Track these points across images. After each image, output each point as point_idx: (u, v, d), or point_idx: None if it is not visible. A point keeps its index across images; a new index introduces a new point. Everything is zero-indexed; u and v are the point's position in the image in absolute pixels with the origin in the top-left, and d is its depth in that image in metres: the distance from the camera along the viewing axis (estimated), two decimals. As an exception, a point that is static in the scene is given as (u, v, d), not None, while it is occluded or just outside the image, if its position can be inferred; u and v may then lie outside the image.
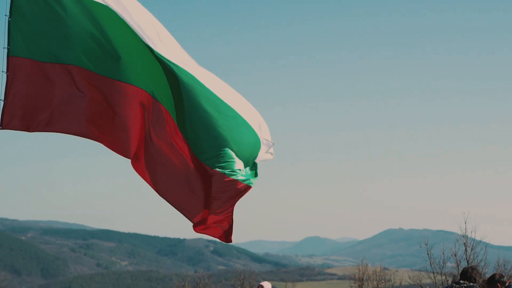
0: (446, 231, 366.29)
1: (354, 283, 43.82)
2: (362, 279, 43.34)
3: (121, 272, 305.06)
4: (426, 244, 38.39)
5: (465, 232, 36.68)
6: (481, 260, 36.31)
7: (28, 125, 8.77)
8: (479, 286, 10.85)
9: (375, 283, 43.53)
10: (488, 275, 30.48)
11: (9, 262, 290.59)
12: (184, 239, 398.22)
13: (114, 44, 8.70)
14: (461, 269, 35.97)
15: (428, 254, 38.25)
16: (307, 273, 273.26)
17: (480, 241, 37.11)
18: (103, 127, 8.88)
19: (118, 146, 8.98)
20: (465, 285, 10.66)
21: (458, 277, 11.66)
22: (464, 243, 36.75)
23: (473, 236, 36.82)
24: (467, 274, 10.83)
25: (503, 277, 11.36)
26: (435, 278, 37.98)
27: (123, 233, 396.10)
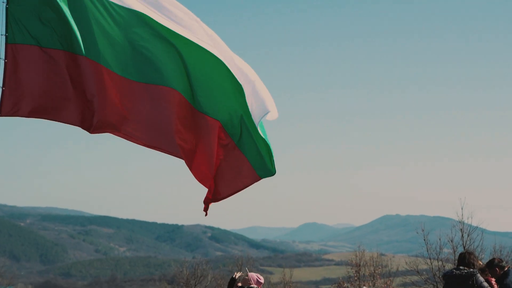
0: (442, 217, 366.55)
1: (351, 268, 43.83)
2: (359, 265, 43.36)
3: (119, 258, 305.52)
4: (422, 230, 38.42)
5: (462, 218, 36.76)
6: (477, 246, 36.38)
7: (28, 112, 8.74)
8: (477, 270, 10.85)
9: (372, 268, 43.55)
10: (484, 261, 30.51)
11: (8, 248, 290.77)
12: (182, 225, 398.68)
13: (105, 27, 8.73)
14: (457, 255, 36.06)
15: (424, 240, 38.28)
16: (304, 259, 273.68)
17: (477, 227, 37.18)
18: (98, 115, 8.87)
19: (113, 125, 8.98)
20: (466, 271, 10.65)
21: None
22: (461, 229, 36.79)
23: (469, 222, 36.92)
24: (465, 260, 10.79)
25: (502, 261, 11.39)
26: (431, 263, 38.05)
27: (122, 219, 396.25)
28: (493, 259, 11.54)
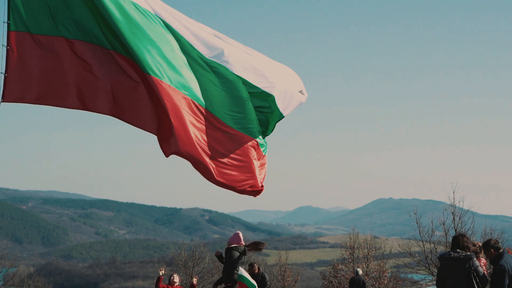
0: (434, 200, 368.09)
1: (345, 251, 43.87)
2: (353, 247, 43.41)
3: (119, 240, 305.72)
4: (415, 213, 38.43)
5: (453, 201, 36.77)
6: (468, 229, 36.39)
7: (29, 98, 8.72)
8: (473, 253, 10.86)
9: (365, 251, 43.60)
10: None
11: (11, 231, 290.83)
12: (181, 209, 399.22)
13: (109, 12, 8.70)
14: (449, 238, 36.13)
15: (417, 223, 38.29)
16: (299, 241, 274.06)
17: (468, 210, 37.16)
18: (96, 98, 8.86)
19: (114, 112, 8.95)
20: (463, 254, 10.62)
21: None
22: (452, 212, 36.80)
23: (461, 206, 36.95)
24: (460, 243, 10.76)
25: (498, 243, 11.32)
26: (424, 246, 38.09)
27: (121, 203, 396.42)
28: (490, 240, 11.46)
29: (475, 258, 10.75)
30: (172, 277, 17.48)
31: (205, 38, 9.45)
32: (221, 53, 9.39)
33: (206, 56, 9.30)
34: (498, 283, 10.83)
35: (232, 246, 17.13)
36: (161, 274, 17.13)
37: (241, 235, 17.41)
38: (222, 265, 17.35)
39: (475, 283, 10.51)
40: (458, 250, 10.67)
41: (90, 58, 8.74)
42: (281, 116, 9.80)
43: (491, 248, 11.13)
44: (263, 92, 9.52)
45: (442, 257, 10.77)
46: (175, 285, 17.28)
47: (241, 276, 16.49)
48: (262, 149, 9.68)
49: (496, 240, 11.38)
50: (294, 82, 9.96)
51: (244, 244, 17.24)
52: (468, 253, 10.69)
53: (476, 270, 10.55)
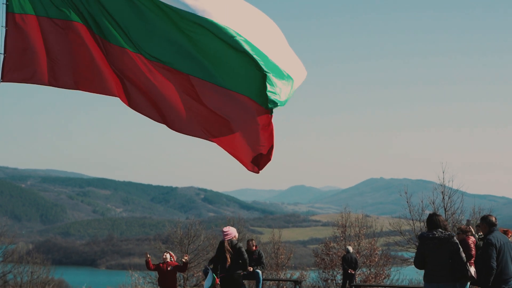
0: (424, 180, 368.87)
1: (337, 229, 43.93)
2: (345, 226, 43.46)
3: (116, 218, 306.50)
4: (405, 193, 38.49)
5: (443, 181, 36.80)
6: (457, 208, 36.53)
7: (28, 77, 8.69)
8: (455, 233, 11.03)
9: (357, 229, 43.68)
10: (463, 223, 30.58)
11: (10, 208, 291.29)
12: (176, 188, 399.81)
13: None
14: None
15: (407, 202, 38.36)
16: (292, 220, 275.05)
17: (457, 190, 37.25)
18: (96, 80, 8.80)
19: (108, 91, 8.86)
20: (445, 234, 10.74)
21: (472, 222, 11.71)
22: (442, 192, 36.86)
23: (450, 185, 36.99)
24: (439, 223, 10.89)
25: (494, 220, 11.45)
26: (414, 225, 38.17)
27: (118, 182, 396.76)
28: (489, 216, 11.61)
29: (455, 238, 10.96)
30: (164, 257, 17.86)
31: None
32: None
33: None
34: (485, 254, 11.00)
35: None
36: (147, 258, 17.78)
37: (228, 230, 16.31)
38: (217, 242, 17.24)
39: (458, 260, 10.68)
40: (440, 230, 10.78)
41: (82, 38, 8.66)
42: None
43: (486, 223, 11.32)
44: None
45: (425, 237, 10.85)
46: (167, 261, 17.61)
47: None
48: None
49: (495, 218, 11.51)
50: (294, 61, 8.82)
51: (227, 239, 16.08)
52: (450, 232, 10.88)
53: (456, 248, 10.74)
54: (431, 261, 10.76)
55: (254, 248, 21.17)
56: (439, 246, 10.72)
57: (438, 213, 11.51)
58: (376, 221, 52.19)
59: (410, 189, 40.71)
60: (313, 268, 49.40)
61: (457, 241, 10.93)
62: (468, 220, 16.13)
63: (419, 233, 10.82)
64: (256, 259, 20.90)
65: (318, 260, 42.20)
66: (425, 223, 11.49)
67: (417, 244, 37.55)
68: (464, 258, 10.86)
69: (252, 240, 22.07)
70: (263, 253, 21.62)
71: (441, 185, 36.98)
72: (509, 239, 11.89)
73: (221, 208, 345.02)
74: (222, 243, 15.32)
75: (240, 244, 15.21)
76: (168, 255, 17.87)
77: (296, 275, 43.58)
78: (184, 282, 41.82)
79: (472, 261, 13.48)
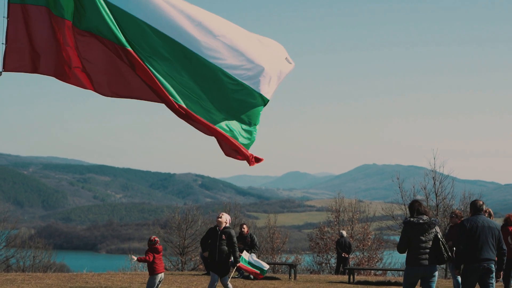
0: (416, 166, 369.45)
1: (331, 214, 43.93)
2: (339, 211, 43.45)
3: (116, 204, 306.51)
4: (398, 178, 38.44)
5: (434, 167, 36.83)
6: (448, 193, 36.55)
7: (30, 67, 8.65)
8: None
9: (350, 214, 43.67)
10: (455, 207, 30.51)
11: (12, 195, 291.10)
12: (174, 174, 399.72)
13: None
14: (430, 202, 36.24)
15: (399, 187, 38.33)
16: (287, 205, 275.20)
17: (448, 176, 37.27)
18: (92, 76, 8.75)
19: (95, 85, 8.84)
20: (429, 220, 10.88)
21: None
22: (433, 178, 36.86)
23: (441, 171, 37.02)
24: (422, 209, 10.99)
25: (480, 205, 11.69)
26: (406, 209, 38.20)
27: (118, 168, 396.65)
28: (477, 201, 11.94)
29: (437, 224, 11.15)
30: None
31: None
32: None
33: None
34: (458, 237, 11.63)
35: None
36: (134, 260, 16.14)
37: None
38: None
39: (441, 245, 10.81)
40: (424, 216, 10.96)
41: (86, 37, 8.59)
42: (265, 101, 8.94)
43: (471, 207, 11.60)
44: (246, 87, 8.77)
45: (411, 223, 10.91)
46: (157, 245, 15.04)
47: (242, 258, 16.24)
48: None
49: (482, 202, 11.72)
50: (278, 55, 8.98)
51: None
52: (433, 219, 11.02)
53: (437, 234, 10.91)
54: (416, 245, 10.84)
55: (246, 232, 21.34)
56: (425, 231, 10.82)
57: (419, 200, 11.62)
58: (369, 206, 52.16)
59: (402, 174, 40.75)
60: (307, 252, 49.44)
61: (439, 229, 11.05)
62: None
63: (404, 219, 10.82)
64: (250, 243, 21.06)
65: (312, 244, 42.22)
66: (408, 209, 11.57)
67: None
68: (444, 242, 10.97)
69: (243, 224, 22.20)
70: (255, 236, 21.75)
71: (432, 170, 37.02)
72: None
73: (218, 194, 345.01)
74: (213, 228, 15.14)
75: (231, 230, 15.06)
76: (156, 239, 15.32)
77: (291, 259, 43.57)
78: (182, 266, 41.87)
79: None
